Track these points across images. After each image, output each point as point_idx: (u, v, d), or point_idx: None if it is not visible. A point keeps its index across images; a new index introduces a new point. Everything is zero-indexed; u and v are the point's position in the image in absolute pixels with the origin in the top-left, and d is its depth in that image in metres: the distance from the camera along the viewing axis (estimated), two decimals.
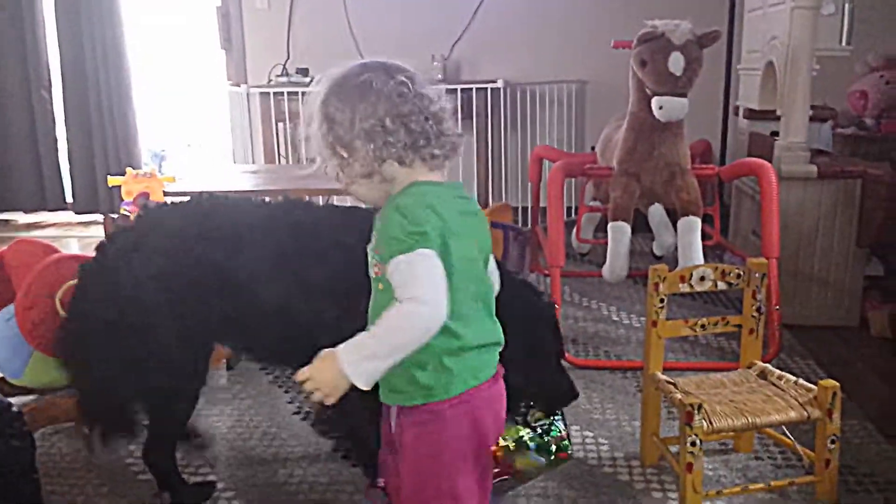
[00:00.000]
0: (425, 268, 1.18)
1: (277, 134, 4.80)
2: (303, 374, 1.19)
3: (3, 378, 2.42)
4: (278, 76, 4.83)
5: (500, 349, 1.32)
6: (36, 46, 5.22)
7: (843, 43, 3.17)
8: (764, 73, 3.42)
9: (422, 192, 1.24)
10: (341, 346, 1.19)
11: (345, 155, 1.26)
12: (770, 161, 2.94)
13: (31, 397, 2.41)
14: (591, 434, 2.25)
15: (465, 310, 1.24)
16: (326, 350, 1.19)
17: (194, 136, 5.71)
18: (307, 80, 4.67)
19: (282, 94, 4.63)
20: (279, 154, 4.83)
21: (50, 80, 5.30)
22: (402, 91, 1.23)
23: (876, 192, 2.96)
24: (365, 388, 1.17)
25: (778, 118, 3.20)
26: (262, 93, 4.70)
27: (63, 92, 5.24)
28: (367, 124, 1.22)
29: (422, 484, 1.28)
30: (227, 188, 3.22)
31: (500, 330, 1.32)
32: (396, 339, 1.18)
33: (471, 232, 1.28)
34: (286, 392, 2.55)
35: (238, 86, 4.86)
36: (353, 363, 1.16)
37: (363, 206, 1.49)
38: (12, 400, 2.00)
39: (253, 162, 4.82)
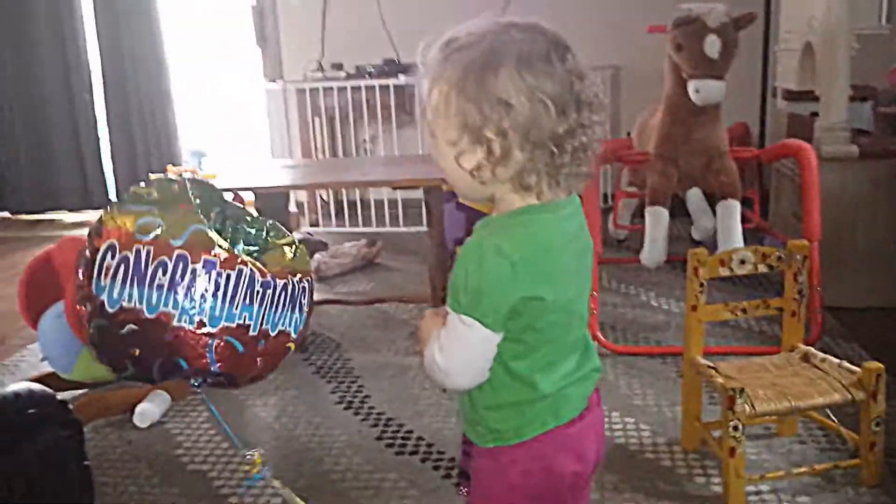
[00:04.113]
0: (460, 335, 1.04)
1: (313, 128, 4.85)
2: (420, 324, 1.16)
3: (54, 373, 2.49)
4: (313, 72, 4.87)
5: (598, 375, 1.16)
6: (77, 50, 5.32)
7: (883, 21, 3.11)
8: (802, 53, 3.37)
9: (531, 228, 1.03)
10: (443, 328, 1.09)
11: (498, 153, 0.99)
12: (810, 142, 2.90)
13: (81, 391, 2.48)
14: (631, 420, 2.25)
15: (553, 358, 1.09)
16: (437, 319, 1.11)
17: (233, 133, 5.78)
18: (342, 74, 4.71)
19: (317, 89, 4.68)
20: (315, 148, 4.88)
21: (91, 83, 5.41)
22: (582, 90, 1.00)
23: None
24: None
25: (817, 99, 3.15)
26: (298, 88, 4.75)
27: (104, 94, 5.34)
28: (560, 129, 0.98)
29: None
30: (267, 184, 3.26)
31: (595, 358, 1.16)
32: (427, 370, 1.11)
33: (574, 268, 1.08)
34: (328, 382, 2.58)
35: (274, 82, 4.91)
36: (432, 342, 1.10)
37: None
38: (63, 394, 2.06)
39: (291, 157, 4.87)
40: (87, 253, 1.36)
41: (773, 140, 3.96)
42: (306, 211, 4.94)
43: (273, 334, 1.53)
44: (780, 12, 3.87)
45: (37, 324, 2.50)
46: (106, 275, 1.33)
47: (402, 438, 2.20)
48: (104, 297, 1.34)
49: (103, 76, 5.31)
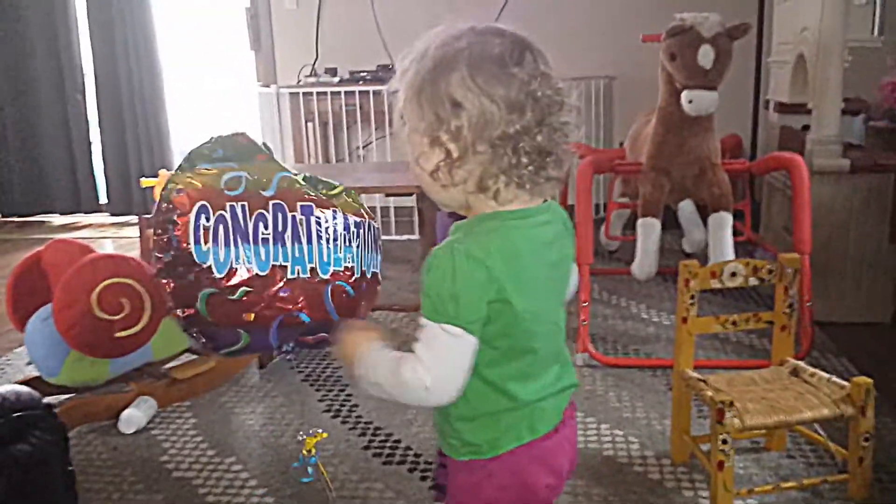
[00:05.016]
0: (444, 346, 1.01)
1: (307, 133, 4.84)
2: (339, 339, 1.13)
3: (39, 377, 2.47)
4: (307, 76, 4.87)
5: (574, 390, 1.16)
6: (69, 50, 5.31)
7: (876, 33, 3.12)
8: (794, 65, 3.38)
9: (499, 234, 1.02)
10: (371, 347, 1.09)
11: (454, 155, 1.01)
12: (801, 155, 2.91)
13: (67, 396, 2.46)
14: (620, 432, 2.24)
15: (534, 370, 1.09)
16: (361, 335, 1.11)
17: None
18: (335, 79, 4.71)
19: (311, 94, 4.67)
20: (308, 154, 4.87)
21: (83, 84, 5.39)
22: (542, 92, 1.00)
23: None
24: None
25: (809, 112, 3.16)
26: (291, 93, 4.75)
27: (96, 95, 5.32)
28: (512, 129, 0.98)
29: None
30: None
31: (572, 373, 1.16)
32: (391, 390, 1.06)
33: (546, 278, 1.08)
34: (317, 390, 2.57)
35: (268, 86, 4.90)
36: (360, 365, 1.08)
37: None
38: (49, 399, 2.04)
39: (283, 162, 4.85)
40: (162, 219, 1.26)
41: (764, 152, 3.97)
42: None
43: (369, 276, 1.49)
44: (774, 23, 3.89)
45: (24, 327, 2.48)
46: (206, 239, 1.25)
47: (390, 448, 2.19)
48: (210, 262, 1.25)
49: (96, 78, 5.29)
